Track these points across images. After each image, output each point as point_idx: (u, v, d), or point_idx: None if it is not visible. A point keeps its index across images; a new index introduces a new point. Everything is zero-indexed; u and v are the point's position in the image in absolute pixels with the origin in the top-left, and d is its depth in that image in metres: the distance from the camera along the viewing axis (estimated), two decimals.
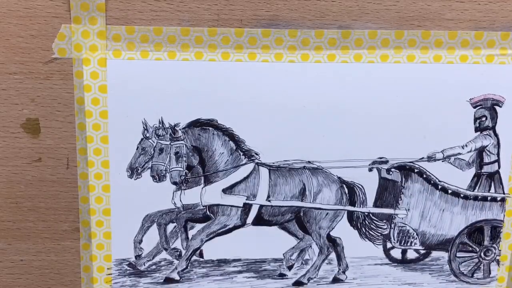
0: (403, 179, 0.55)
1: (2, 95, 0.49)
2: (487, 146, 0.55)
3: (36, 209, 0.52)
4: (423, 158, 0.54)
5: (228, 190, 0.53)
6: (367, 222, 0.56)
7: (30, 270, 0.54)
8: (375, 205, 0.55)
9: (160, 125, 0.51)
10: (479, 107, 0.53)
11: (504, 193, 0.56)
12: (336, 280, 0.57)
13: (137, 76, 0.49)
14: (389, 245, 0.57)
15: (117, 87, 0.49)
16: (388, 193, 0.55)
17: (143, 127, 0.51)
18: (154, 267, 0.54)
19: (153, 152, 0.52)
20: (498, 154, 0.55)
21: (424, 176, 0.55)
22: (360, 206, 0.55)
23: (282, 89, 0.51)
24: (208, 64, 0.50)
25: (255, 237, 0.54)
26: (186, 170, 0.53)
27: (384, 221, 0.56)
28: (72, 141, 0.51)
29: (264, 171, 0.53)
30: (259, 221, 0.54)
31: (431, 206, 0.56)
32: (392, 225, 0.56)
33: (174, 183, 0.52)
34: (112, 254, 0.53)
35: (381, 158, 0.53)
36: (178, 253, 0.54)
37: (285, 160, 0.53)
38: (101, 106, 0.50)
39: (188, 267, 0.55)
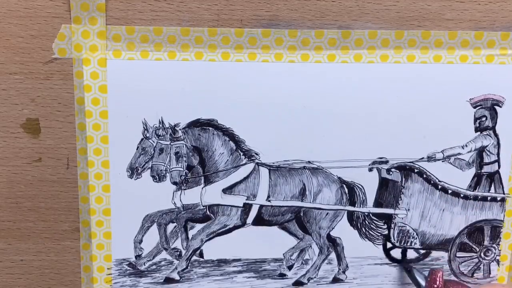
0: (403, 179, 0.55)
1: (2, 95, 0.49)
2: (487, 146, 0.55)
3: (36, 209, 0.52)
4: (423, 158, 0.54)
5: (228, 190, 0.53)
6: (367, 222, 0.56)
7: (30, 270, 0.54)
8: (375, 205, 0.55)
9: (160, 125, 0.51)
10: (479, 107, 0.53)
11: (504, 193, 0.56)
12: (336, 280, 0.57)
13: (137, 76, 0.49)
14: (389, 245, 0.57)
15: (117, 87, 0.49)
16: (388, 193, 0.55)
17: (143, 127, 0.51)
18: (154, 267, 0.54)
19: (153, 152, 0.52)
20: (498, 154, 0.55)
21: (424, 176, 0.55)
22: (360, 206, 0.55)
23: (282, 89, 0.51)
24: (208, 64, 0.50)
25: (255, 237, 0.55)
26: (186, 170, 0.53)
27: (384, 221, 0.56)
28: (72, 141, 0.51)
29: (264, 171, 0.53)
30: (259, 221, 0.54)
31: (431, 206, 0.56)
32: (392, 225, 0.56)
33: (174, 183, 0.52)
34: (112, 254, 0.53)
35: (381, 158, 0.53)
36: (178, 253, 0.54)
37: (285, 160, 0.53)
38: (101, 106, 0.50)
39: (188, 267, 0.55)
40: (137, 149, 0.51)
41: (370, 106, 0.52)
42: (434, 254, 0.57)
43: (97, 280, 0.54)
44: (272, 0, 0.48)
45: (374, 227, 0.56)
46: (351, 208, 0.55)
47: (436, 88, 0.52)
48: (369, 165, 0.54)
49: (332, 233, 0.55)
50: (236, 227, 0.54)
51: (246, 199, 0.54)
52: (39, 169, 0.51)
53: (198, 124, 0.51)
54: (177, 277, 0.55)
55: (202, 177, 0.53)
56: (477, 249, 0.57)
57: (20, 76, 0.49)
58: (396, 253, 0.57)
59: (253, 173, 0.53)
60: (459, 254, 0.57)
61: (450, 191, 0.55)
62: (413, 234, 0.56)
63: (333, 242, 0.56)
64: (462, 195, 0.55)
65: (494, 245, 0.57)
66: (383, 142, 0.53)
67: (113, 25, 0.48)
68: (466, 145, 0.54)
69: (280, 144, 0.52)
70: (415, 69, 0.51)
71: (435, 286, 0.47)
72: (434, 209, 0.56)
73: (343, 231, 0.55)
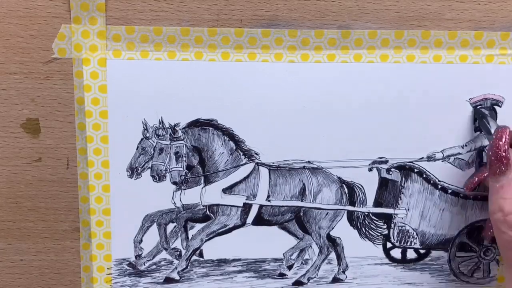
0: (403, 179, 0.55)
1: (2, 95, 0.49)
2: (486, 146, 0.55)
3: (36, 209, 0.52)
4: (423, 158, 0.54)
5: (228, 190, 0.53)
6: (367, 222, 0.56)
7: (30, 270, 0.54)
8: (375, 205, 0.55)
9: (160, 125, 0.51)
10: (479, 107, 0.53)
11: None
12: (336, 280, 0.57)
13: (137, 76, 0.49)
14: (389, 245, 0.57)
15: (117, 87, 0.49)
16: (388, 193, 0.55)
17: (143, 127, 0.51)
18: (154, 267, 0.54)
19: (153, 152, 0.52)
20: None
21: (424, 176, 0.55)
22: (360, 206, 0.55)
23: (282, 89, 0.51)
24: (208, 64, 0.50)
25: (255, 237, 0.55)
26: (186, 170, 0.53)
27: (384, 221, 0.56)
28: (72, 141, 0.51)
29: (264, 171, 0.53)
30: (259, 221, 0.54)
31: (431, 206, 0.56)
32: (392, 225, 0.56)
33: (174, 183, 0.52)
34: (112, 254, 0.53)
35: (381, 158, 0.53)
36: (178, 253, 0.54)
37: (285, 160, 0.53)
38: (101, 106, 0.50)
39: (188, 267, 0.55)
40: (137, 149, 0.51)
41: (370, 106, 0.52)
42: (434, 253, 0.57)
43: (97, 280, 0.54)
44: (272, 0, 0.48)
45: (374, 227, 0.56)
46: (351, 208, 0.55)
47: (436, 88, 0.52)
48: (369, 165, 0.54)
49: (332, 233, 0.56)
50: (236, 227, 0.54)
51: (246, 199, 0.54)
52: (39, 169, 0.51)
53: (198, 124, 0.51)
54: (177, 277, 0.55)
55: (202, 177, 0.53)
56: (477, 249, 0.57)
57: (20, 76, 0.49)
58: (396, 253, 0.57)
59: (253, 173, 0.53)
60: (458, 253, 0.57)
61: (449, 191, 0.55)
62: (413, 234, 0.56)
63: (333, 242, 0.56)
64: (461, 195, 0.56)
65: (493, 245, 0.57)
66: (383, 142, 0.53)
67: (113, 25, 0.48)
68: (466, 145, 0.54)
69: (280, 144, 0.52)
70: (415, 69, 0.51)
71: (501, 143, 0.47)
72: (434, 209, 0.56)
73: (343, 231, 0.55)
